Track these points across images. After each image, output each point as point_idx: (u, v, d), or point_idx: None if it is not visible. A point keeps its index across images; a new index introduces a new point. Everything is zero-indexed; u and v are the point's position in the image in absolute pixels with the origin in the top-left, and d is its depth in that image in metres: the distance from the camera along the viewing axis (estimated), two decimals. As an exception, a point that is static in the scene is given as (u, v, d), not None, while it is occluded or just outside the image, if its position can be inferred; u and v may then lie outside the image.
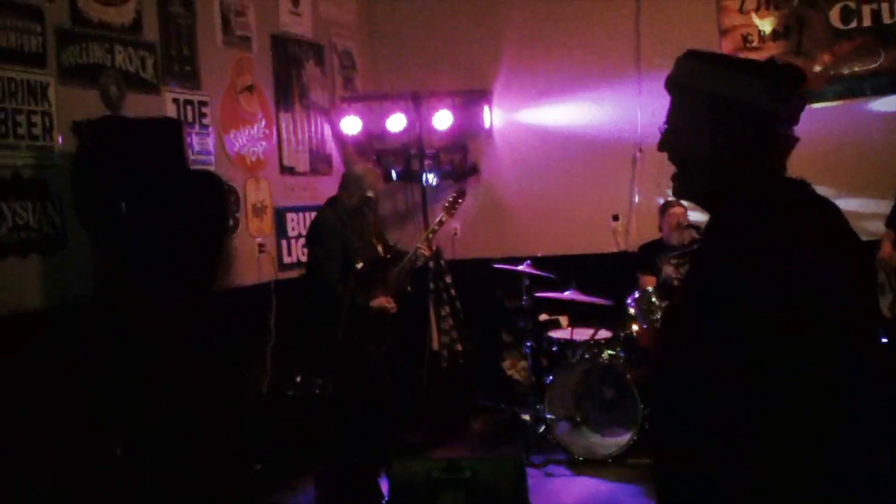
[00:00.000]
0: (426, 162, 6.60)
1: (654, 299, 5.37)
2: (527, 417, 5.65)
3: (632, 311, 5.50)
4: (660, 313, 5.32)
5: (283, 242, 6.08)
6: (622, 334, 5.66)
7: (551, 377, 5.57)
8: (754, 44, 6.05)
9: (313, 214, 5.19)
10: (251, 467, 4.87)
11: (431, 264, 6.08)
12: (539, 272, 5.63)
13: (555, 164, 6.68)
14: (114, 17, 4.74)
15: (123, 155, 4.11)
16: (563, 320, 6.18)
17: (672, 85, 1.82)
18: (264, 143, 5.93)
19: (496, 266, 5.85)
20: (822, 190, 1.77)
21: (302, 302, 5.28)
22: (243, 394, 5.22)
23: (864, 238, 1.89)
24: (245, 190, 5.71)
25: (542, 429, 5.57)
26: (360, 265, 4.65)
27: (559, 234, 6.65)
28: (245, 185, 5.73)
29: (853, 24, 5.80)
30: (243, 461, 4.78)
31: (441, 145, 6.83)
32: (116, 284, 4.03)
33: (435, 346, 6.10)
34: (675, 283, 5.54)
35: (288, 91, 6.22)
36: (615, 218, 6.52)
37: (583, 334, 5.69)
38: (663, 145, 1.84)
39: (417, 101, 6.54)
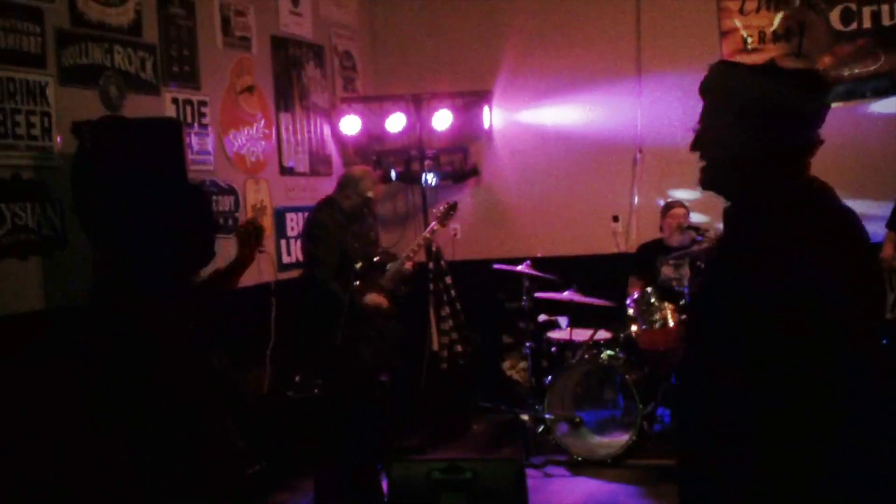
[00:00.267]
0: (426, 163, 6.60)
1: (653, 300, 5.38)
2: (526, 418, 5.65)
3: (631, 312, 5.50)
4: (659, 314, 5.33)
5: (283, 243, 6.08)
6: (622, 335, 5.66)
7: (551, 378, 5.57)
8: (754, 45, 6.05)
9: (313, 215, 5.19)
10: (251, 467, 4.86)
11: (431, 265, 6.09)
12: (539, 273, 5.64)
13: (555, 165, 6.69)
14: (113, 18, 4.74)
15: (123, 155, 4.10)
16: (563, 321, 6.19)
17: (707, 89, 1.92)
18: (264, 144, 5.93)
19: (496, 267, 5.85)
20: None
21: (300, 302, 5.29)
22: (243, 394, 5.21)
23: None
24: (245, 190, 5.72)
25: (541, 430, 5.57)
26: (359, 265, 4.66)
27: (559, 235, 6.65)
28: (245, 185, 5.73)
29: (853, 26, 5.80)
30: (243, 461, 4.78)
31: (441, 146, 6.84)
32: (116, 284, 4.02)
33: (435, 346, 6.09)
34: (674, 284, 5.54)
35: (288, 92, 6.22)
36: (615, 219, 6.52)
37: (582, 335, 5.69)
38: (697, 145, 1.93)
39: (417, 102, 6.54)
